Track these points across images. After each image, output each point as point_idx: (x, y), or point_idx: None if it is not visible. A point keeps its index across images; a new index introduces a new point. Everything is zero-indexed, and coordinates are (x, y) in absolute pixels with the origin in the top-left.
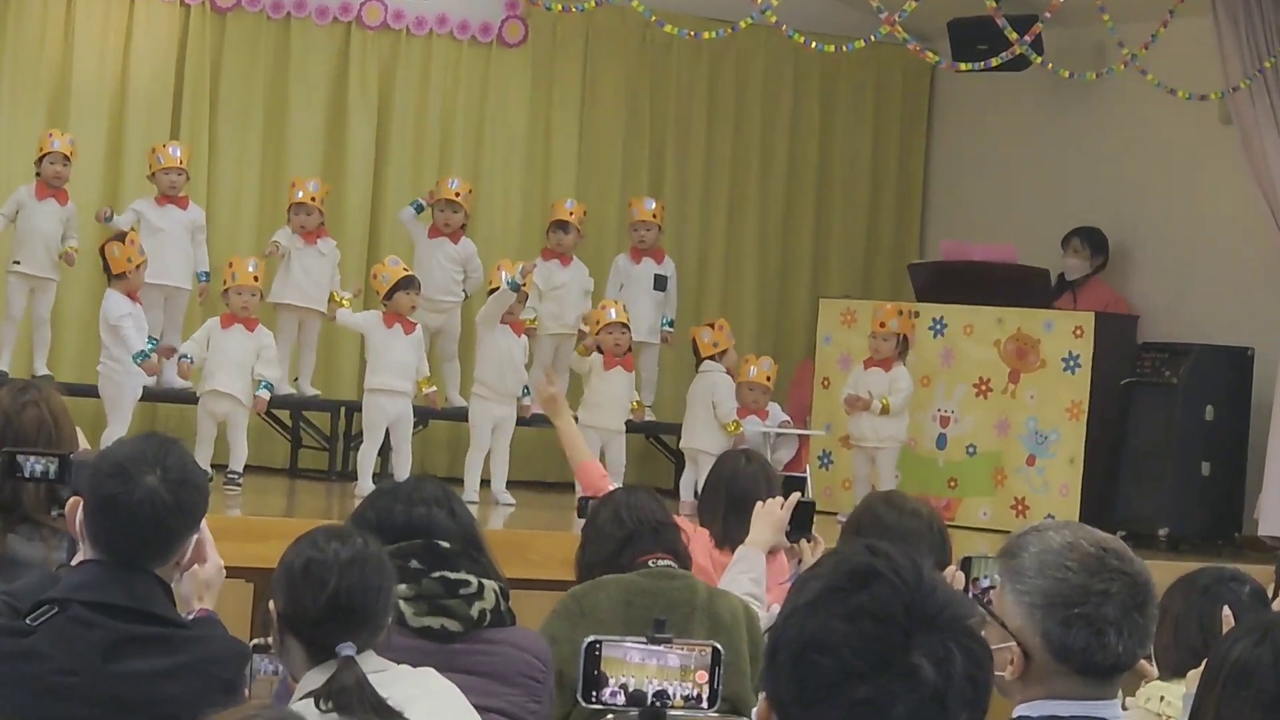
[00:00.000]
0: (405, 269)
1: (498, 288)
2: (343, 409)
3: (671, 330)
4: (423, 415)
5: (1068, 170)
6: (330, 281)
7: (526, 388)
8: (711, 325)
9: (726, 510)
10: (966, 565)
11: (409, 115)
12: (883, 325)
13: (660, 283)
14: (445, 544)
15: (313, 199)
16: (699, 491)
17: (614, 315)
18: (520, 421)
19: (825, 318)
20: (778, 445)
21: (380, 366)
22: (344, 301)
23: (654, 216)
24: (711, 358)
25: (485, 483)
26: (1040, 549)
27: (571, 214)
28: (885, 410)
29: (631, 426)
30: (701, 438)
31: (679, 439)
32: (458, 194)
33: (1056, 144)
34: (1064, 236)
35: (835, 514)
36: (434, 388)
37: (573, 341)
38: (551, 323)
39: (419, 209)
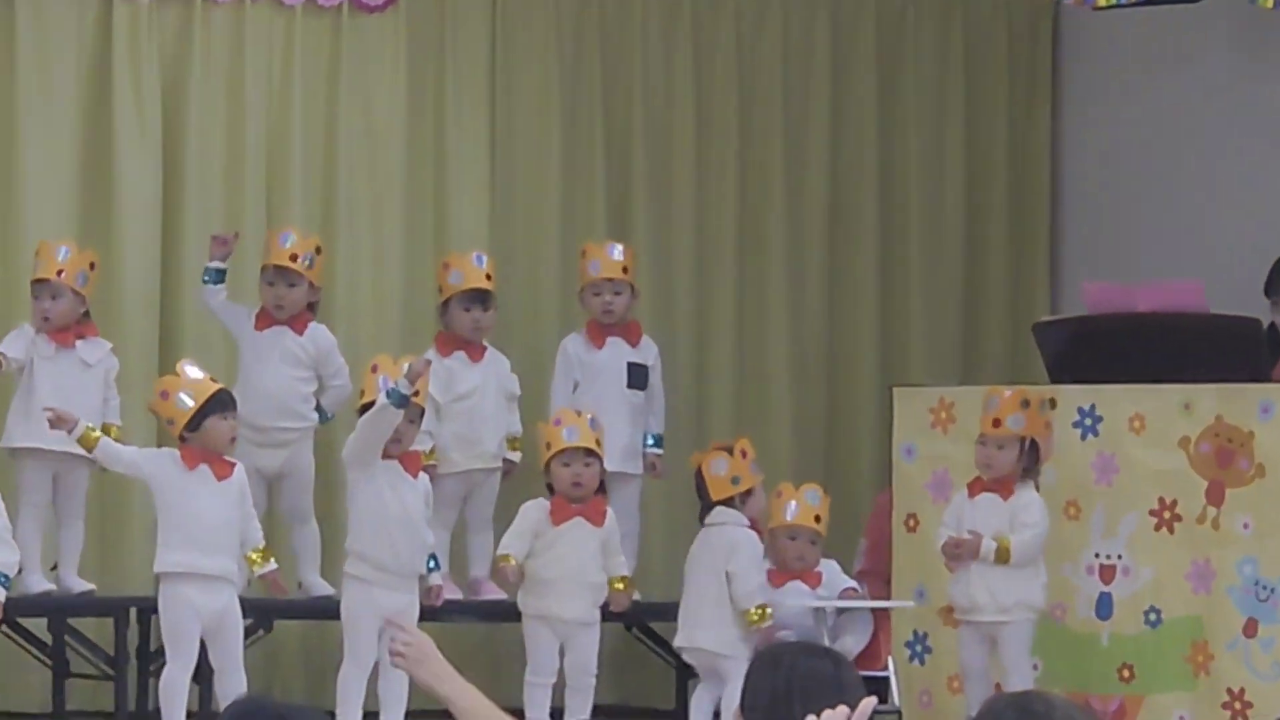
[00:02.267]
0: (213, 380)
1: (372, 402)
2: (132, 612)
3: (660, 452)
4: (261, 612)
5: (1272, 157)
6: (99, 408)
7: (433, 559)
8: (727, 449)
9: None
10: None
11: (213, 127)
12: (997, 424)
13: (637, 377)
14: None
15: (60, 272)
16: None
17: (573, 435)
18: (426, 615)
19: (904, 418)
20: (840, 628)
21: (179, 536)
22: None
23: (624, 272)
24: (728, 502)
25: (370, 715)
26: None
27: (487, 276)
28: (1006, 558)
29: (608, 613)
30: (712, 632)
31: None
32: (294, 256)
33: (1256, 115)
34: (1275, 267)
35: None
36: (273, 565)
37: (494, 481)
38: (460, 453)
39: (217, 278)
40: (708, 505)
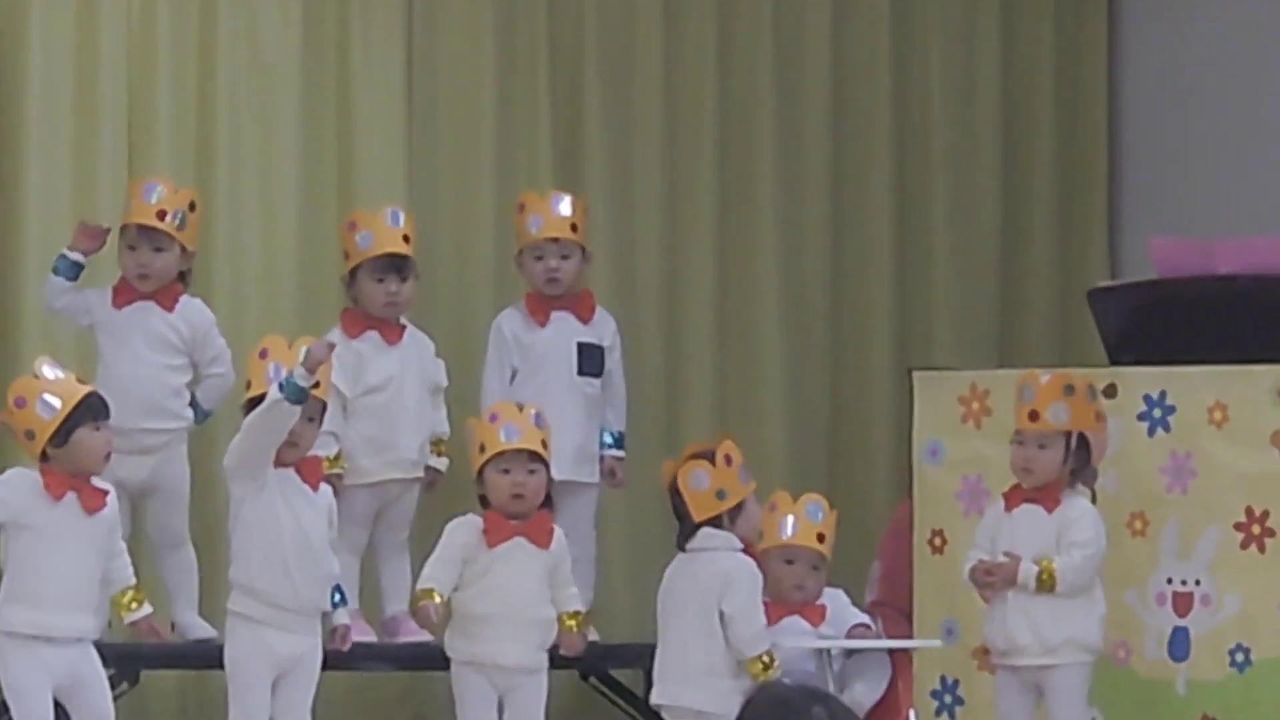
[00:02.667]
0: (79, 381)
1: (261, 396)
2: None
3: (621, 455)
4: (125, 660)
5: None
6: None
7: (338, 592)
8: (707, 456)
9: None
10: None
11: (59, 55)
12: (1035, 418)
13: (591, 361)
14: None
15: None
16: None
17: (513, 435)
18: (331, 662)
19: (928, 410)
20: (849, 674)
21: (31, 590)
22: None
23: (572, 230)
24: (714, 522)
25: None
26: None
27: (405, 238)
28: (1051, 586)
29: (558, 658)
30: (703, 688)
31: (647, 681)
32: (161, 214)
33: None
34: None
35: None
36: (148, 609)
37: (414, 495)
38: (372, 459)
39: (73, 273)
40: (689, 527)
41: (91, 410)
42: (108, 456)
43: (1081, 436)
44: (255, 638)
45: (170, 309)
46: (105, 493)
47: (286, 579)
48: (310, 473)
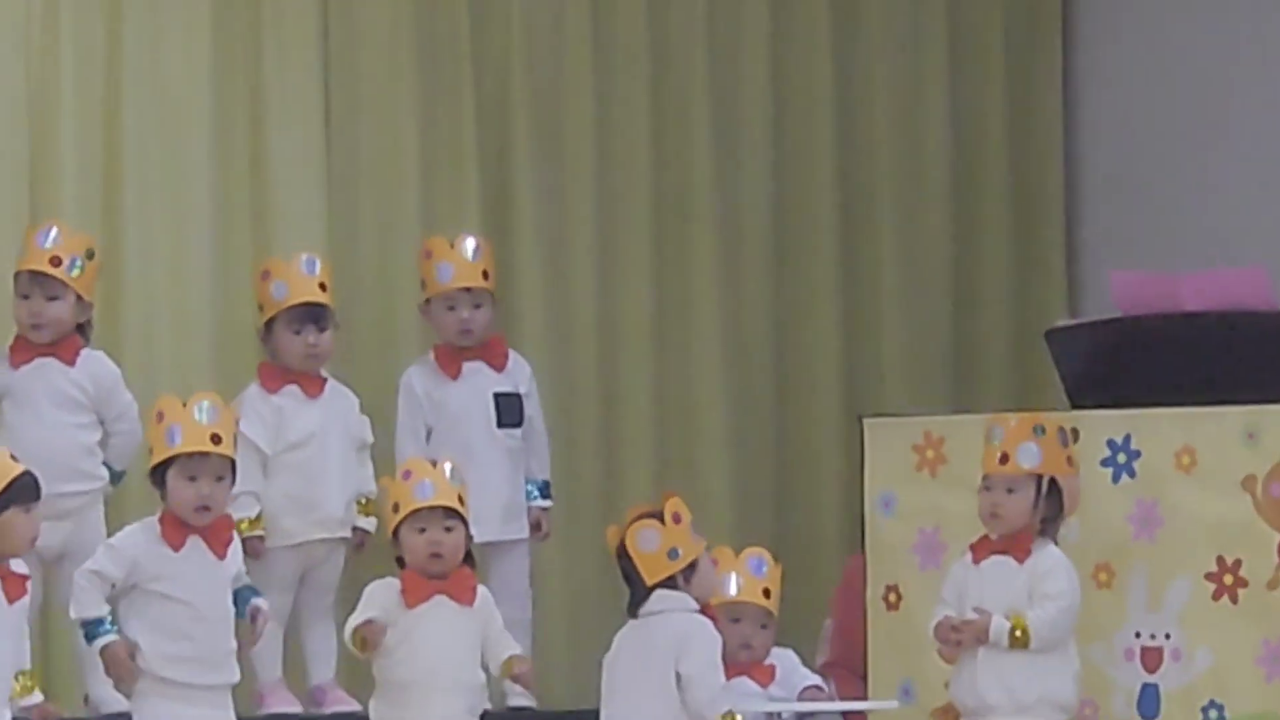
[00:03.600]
0: (12, 457)
1: (163, 465)
2: None
3: (547, 505)
4: None
5: None
6: None
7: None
8: (655, 515)
9: None
10: None
11: None
12: (1005, 460)
13: (509, 411)
14: None
15: None
16: None
17: (427, 491)
18: None
19: (880, 459)
20: None
21: None
22: None
23: (484, 277)
24: (668, 583)
25: None
26: None
27: (321, 286)
28: (1024, 642)
29: None
30: None
31: None
32: (56, 260)
33: None
34: None
35: None
36: (35, 695)
37: (339, 557)
38: (295, 519)
39: None
40: (641, 591)
41: (23, 492)
42: (33, 541)
43: (1053, 483)
44: (163, 712)
45: (71, 363)
46: (26, 579)
47: (194, 654)
48: (217, 538)
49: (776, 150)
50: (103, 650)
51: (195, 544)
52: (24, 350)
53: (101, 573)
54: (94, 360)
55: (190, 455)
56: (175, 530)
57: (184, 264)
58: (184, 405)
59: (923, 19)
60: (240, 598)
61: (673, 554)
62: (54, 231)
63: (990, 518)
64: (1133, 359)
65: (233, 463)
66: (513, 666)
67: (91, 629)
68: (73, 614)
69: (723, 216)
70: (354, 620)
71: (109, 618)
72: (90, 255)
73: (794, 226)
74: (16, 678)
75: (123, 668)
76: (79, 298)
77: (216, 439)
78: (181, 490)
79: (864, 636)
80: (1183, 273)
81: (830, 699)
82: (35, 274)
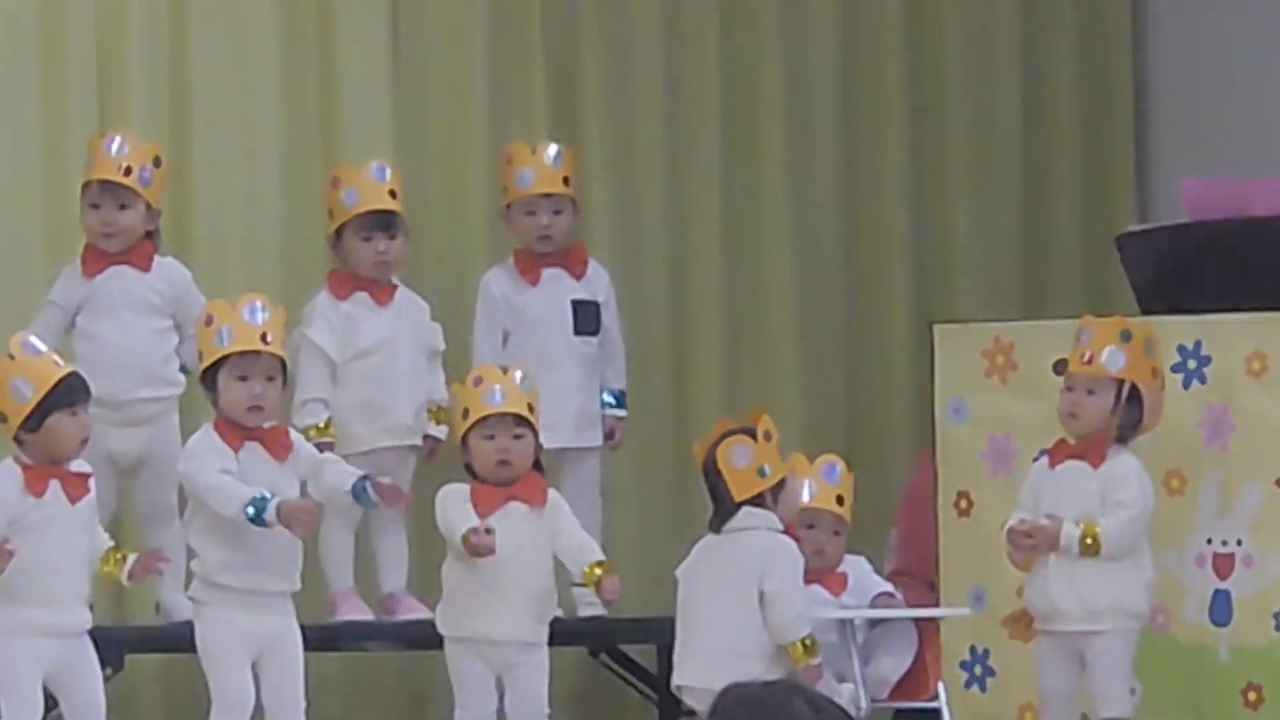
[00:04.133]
0: (58, 362)
1: (213, 368)
2: None
3: (622, 414)
4: (110, 644)
5: None
6: None
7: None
8: (748, 432)
9: None
10: None
11: (26, 9)
12: (1089, 362)
13: (586, 319)
14: None
15: None
16: None
17: (497, 398)
18: (324, 643)
19: (950, 365)
20: (874, 646)
21: (21, 589)
22: None
23: (564, 183)
24: (755, 500)
25: None
26: None
27: (391, 193)
28: (1095, 549)
29: (563, 629)
30: (728, 669)
31: (666, 660)
32: (127, 169)
33: None
34: None
35: None
36: (130, 558)
37: (409, 464)
38: (364, 427)
39: None
40: (728, 507)
41: (69, 394)
42: (84, 443)
43: (1134, 390)
44: (223, 620)
45: (146, 269)
46: (87, 476)
47: (253, 561)
48: (276, 443)
49: (846, 56)
50: (279, 510)
51: (253, 449)
52: (97, 260)
53: (222, 468)
54: (168, 265)
55: (241, 355)
56: (232, 434)
57: (253, 173)
58: (233, 306)
59: None
60: (357, 490)
61: (762, 472)
62: (121, 141)
63: (1068, 418)
64: (1203, 265)
65: (283, 363)
66: (597, 574)
67: (256, 507)
68: (230, 512)
69: (793, 124)
70: (458, 528)
71: (259, 491)
72: (158, 163)
73: (864, 132)
74: (106, 559)
75: (307, 512)
76: (148, 206)
77: (266, 338)
78: (233, 390)
79: (929, 544)
80: (1253, 179)
81: (901, 607)
82: (106, 183)
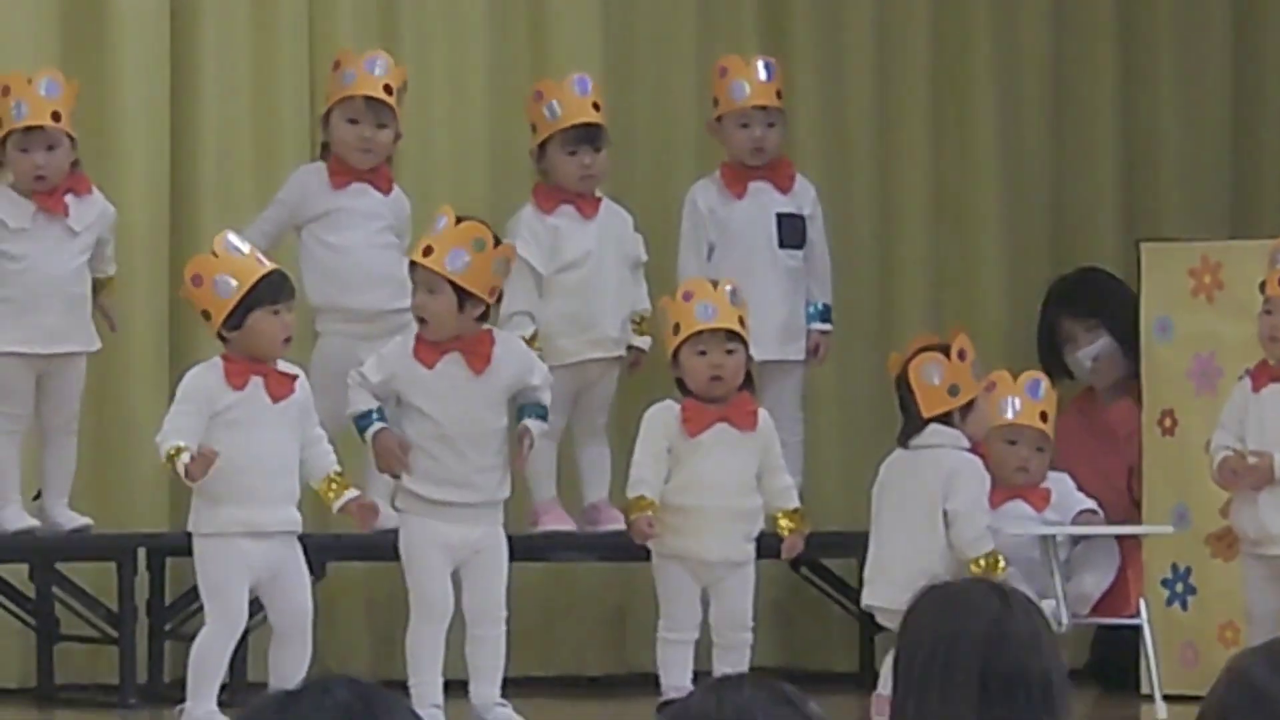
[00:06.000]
0: (259, 260)
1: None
2: (141, 554)
3: (827, 328)
4: (312, 554)
5: None
6: (87, 287)
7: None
8: (941, 349)
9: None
10: None
11: None
12: None
13: (791, 232)
14: None
15: (55, 114)
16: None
17: (709, 313)
18: (528, 552)
19: (1157, 283)
20: (1077, 561)
21: (224, 486)
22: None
23: (776, 96)
24: (944, 418)
25: (457, 684)
26: None
27: (593, 106)
28: None
29: (766, 543)
30: (914, 589)
31: (859, 578)
32: (389, 86)
33: None
34: None
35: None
36: (354, 492)
37: (613, 376)
38: (571, 339)
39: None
40: (916, 422)
41: (270, 291)
42: (288, 341)
43: None
44: (424, 528)
45: (387, 191)
46: (294, 378)
47: (442, 474)
48: (476, 354)
49: None
50: (372, 438)
51: (452, 359)
52: (345, 173)
53: (365, 374)
54: (399, 194)
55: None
56: (428, 350)
57: (461, 86)
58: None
59: None
60: (523, 414)
61: (953, 390)
62: (384, 60)
63: (1270, 341)
64: None
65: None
66: (786, 525)
67: (361, 422)
68: (347, 413)
69: (1000, 41)
70: (637, 477)
71: (375, 410)
72: (405, 87)
73: (1072, 49)
74: (326, 481)
75: (390, 455)
76: (396, 131)
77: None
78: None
79: (1138, 462)
80: None
81: (1104, 524)
82: (370, 99)
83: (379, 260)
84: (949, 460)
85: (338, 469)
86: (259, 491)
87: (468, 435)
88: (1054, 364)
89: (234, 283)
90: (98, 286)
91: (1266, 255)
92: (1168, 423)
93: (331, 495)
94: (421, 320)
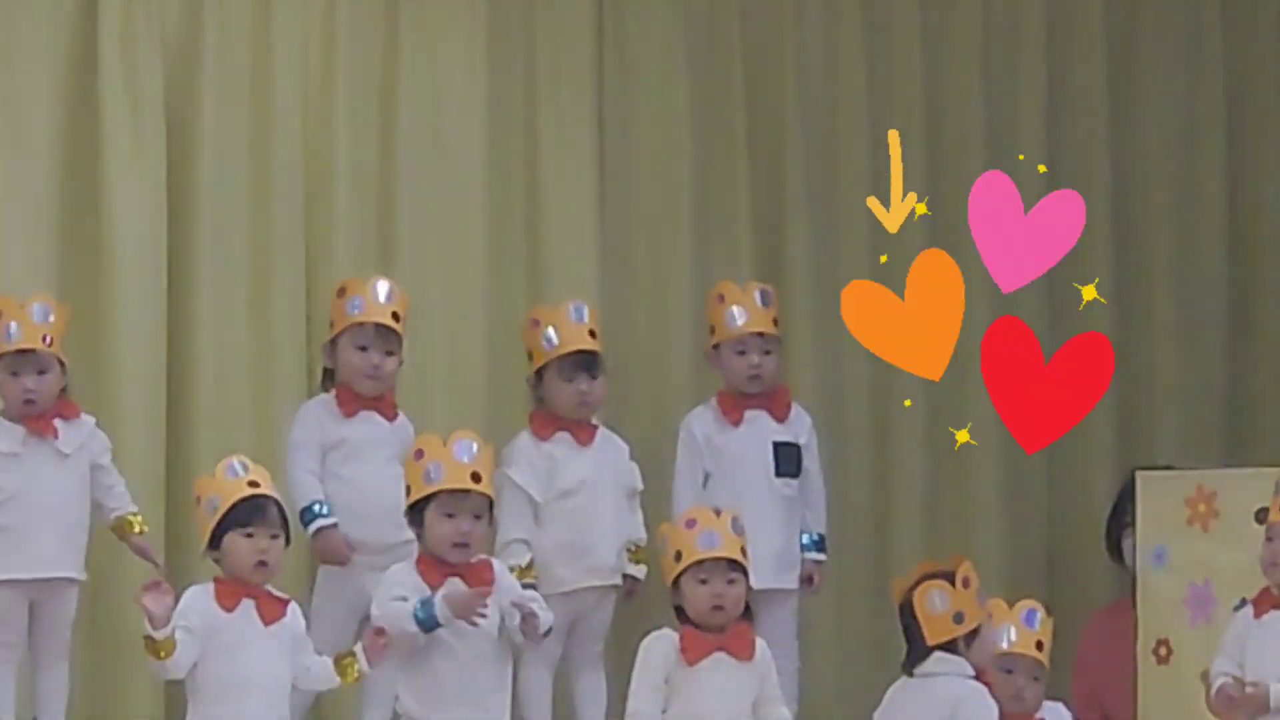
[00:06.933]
0: (252, 482)
1: (420, 501)
2: None
3: (821, 559)
4: None
5: None
6: (85, 511)
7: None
8: (946, 577)
9: None
10: None
11: (230, 137)
12: None
13: (787, 461)
14: None
15: (46, 339)
16: None
17: (712, 542)
18: None
19: (1152, 512)
20: None
21: (213, 698)
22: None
23: (773, 324)
24: (949, 646)
25: None
26: None
27: (589, 333)
28: None
29: None
30: None
31: None
32: (396, 313)
33: None
34: None
35: None
36: (360, 652)
37: (609, 605)
38: (567, 567)
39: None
40: (920, 650)
41: (245, 514)
42: (260, 566)
43: None
44: None
45: (392, 419)
46: (285, 601)
47: (447, 694)
48: (477, 578)
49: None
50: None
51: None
52: (353, 401)
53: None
54: (404, 420)
55: (451, 493)
56: (432, 571)
57: (458, 313)
58: (444, 443)
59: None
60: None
61: (958, 618)
62: (390, 287)
63: (1271, 567)
64: None
65: (490, 502)
66: None
67: (422, 613)
68: (402, 626)
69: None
70: (633, 713)
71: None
72: (404, 312)
73: (1066, 276)
74: (341, 673)
75: (470, 597)
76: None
77: (476, 477)
78: (440, 526)
79: (1105, 688)
80: None
81: None
82: (380, 327)
83: (389, 493)
84: (955, 688)
85: (324, 686)
86: (247, 715)
87: (471, 656)
88: (1111, 546)
89: (217, 503)
90: (122, 529)
91: (1261, 483)
92: (1163, 651)
93: (354, 669)
94: (465, 545)
